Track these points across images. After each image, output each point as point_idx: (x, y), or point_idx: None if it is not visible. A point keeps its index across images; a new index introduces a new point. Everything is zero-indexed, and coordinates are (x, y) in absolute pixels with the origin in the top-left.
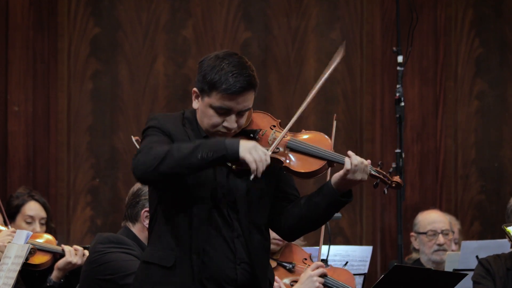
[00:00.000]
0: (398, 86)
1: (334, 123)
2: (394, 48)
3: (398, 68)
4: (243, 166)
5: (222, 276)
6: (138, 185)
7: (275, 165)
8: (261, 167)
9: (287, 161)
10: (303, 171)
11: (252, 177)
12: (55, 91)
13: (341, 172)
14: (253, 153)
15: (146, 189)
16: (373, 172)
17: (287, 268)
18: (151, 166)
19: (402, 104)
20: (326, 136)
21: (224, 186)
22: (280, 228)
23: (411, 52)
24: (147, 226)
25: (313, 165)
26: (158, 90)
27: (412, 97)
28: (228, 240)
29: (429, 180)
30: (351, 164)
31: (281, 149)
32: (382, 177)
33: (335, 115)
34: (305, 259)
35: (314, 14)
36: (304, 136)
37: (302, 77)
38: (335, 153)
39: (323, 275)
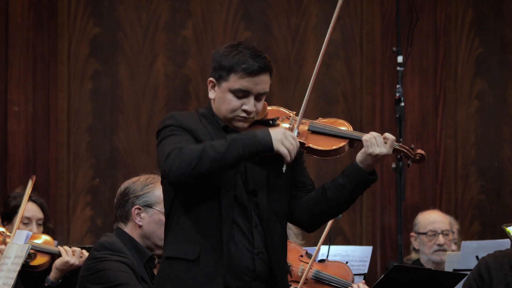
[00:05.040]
0: (398, 86)
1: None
2: (394, 48)
3: (398, 68)
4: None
5: (241, 267)
6: (125, 185)
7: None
8: (294, 155)
9: (309, 141)
10: (326, 149)
11: (285, 168)
12: (55, 91)
13: (362, 149)
14: (286, 143)
15: (133, 187)
16: (396, 147)
17: None
18: (188, 169)
19: (402, 104)
20: (343, 121)
21: (243, 175)
22: (301, 219)
23: (411, 52)
24: (139, 223)
25: (335, 143)
26: (158, 90)
27: (412, 97)
28: (245, 230)
29: (429, 180)
30: (367, 136)
31: (302, 133)
32: (405, 150)
33: None
34: (301, 256)
35: (314, 14)
36: (323, 120)
37: (302, 77)
38: (355, 131)
39: (316, 272)
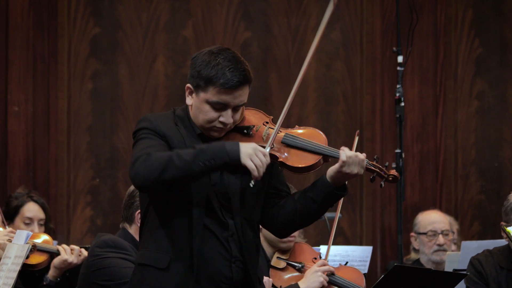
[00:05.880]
0: (398, 86)
1: (356, 139)
2: (394, 48)
3: (398, 68)
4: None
5: (218, 275)
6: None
7: (271, 161)
8: (262, 171)
9: (283, 156)
10: (298, 165)
11: (252, 183)
12: (55, 91)
13: (336, 165)
14: (254, 159)
15: None
16: (369, 166)
17: (297, 268)
18: (152, 175)
19: (402, 104)
20: (320, 132)
21: (218, 184)
22: (272, 225)
23: (411, 52)
24: None
25: (309, 160)
26: (158, 90)
27: (412, 97)
28: (222, 239)
29: (429, 180)
30: (346, 156)
31: (276, 145)
32: (378, 170)
33: (357, 131)
34: (315, 258)
35: (314, 14)
36: (299, 131)
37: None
38: (330, 147)
39: (330, 274)
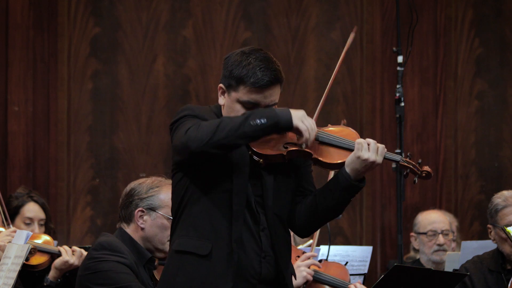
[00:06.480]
0: (398, 86)
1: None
2: (394, 48)
3: (398, 68)
4: (293, 137)
5: (248, 268)
6: (131, 186)
7: (303, 158)
8: (312, 137)
9: (317, 152)
10: (332, 162)
11: (304, 145)
12: (55, 91)
13: (352, 153)
14: (305, 122)
15: (139, 189)
16: (403, 162)
17: None
18: (206, 138)
19: (402, 104)
20: (353, 130)
21: (253, 179)
22: (295, 222)
23: (411, 52)
24: (141, 225)
25: (343, 156)
26: (158, 90)
27: (412, 97)
28: (254, 233)
29: (429, 180)
30: (360, 139)
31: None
32: (412, 167)
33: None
34: (298, 256)
35: (314, 14)
36: (332, 129)
37: (302, 77)
38: None
39: (315, 271)
